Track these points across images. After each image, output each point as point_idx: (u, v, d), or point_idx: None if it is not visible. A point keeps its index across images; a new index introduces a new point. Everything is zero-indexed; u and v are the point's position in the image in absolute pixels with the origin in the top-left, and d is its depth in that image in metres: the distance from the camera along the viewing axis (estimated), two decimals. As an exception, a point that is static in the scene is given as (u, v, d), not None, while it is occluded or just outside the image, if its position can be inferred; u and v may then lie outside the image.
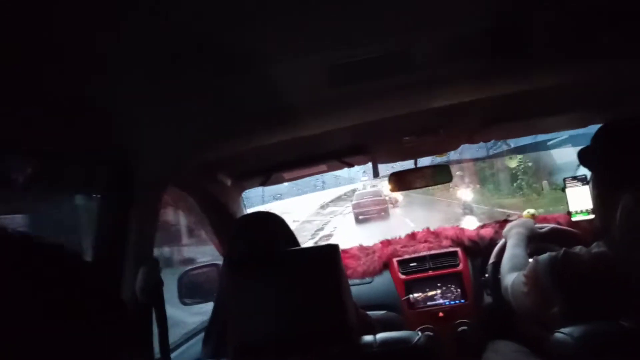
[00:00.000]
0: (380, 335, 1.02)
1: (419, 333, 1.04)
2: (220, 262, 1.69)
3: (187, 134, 1.06)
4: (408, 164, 1.88)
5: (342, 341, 0.98)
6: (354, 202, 17.16)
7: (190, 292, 1.64)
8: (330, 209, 21.46)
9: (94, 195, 1.13)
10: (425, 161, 1.94)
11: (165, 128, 0.99)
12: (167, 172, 1.19)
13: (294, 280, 1.00)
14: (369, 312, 1.48)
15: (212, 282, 1.64)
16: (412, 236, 2.08)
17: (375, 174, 1.62)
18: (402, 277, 1.85)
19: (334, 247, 1.04)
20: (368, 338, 1.01)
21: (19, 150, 0.81)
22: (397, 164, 2.01)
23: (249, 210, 1.75)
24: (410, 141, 1.53)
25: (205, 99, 0.92)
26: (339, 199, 24.35)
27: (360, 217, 15.84)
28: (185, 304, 1.62)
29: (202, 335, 1.51)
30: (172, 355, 1.15)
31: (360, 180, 25.95)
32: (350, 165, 1.72)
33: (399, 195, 17.57)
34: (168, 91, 0.84)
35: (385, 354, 0.98)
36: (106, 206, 1.07)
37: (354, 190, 26.07)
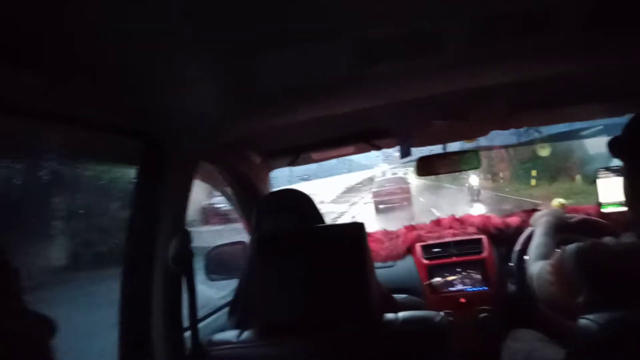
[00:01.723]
0: (403, 314, 1.05)
1: (441, 313, 1.09)
2: (246, 240, 1.77)
3: (219, 112, 1.11)
4: (436, 149, 1.91)
5: (364, 318, 1.02)
6: (374, 190, 16.61)
7: (216, 268, 1.72)
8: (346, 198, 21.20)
9: (131, 168, 1.21)
10: (454, 147, 1.97)
11: (199, 105, 1.05)
12: (200, 148, 1.26)
13: (319, 257, 1.05)
14: None
15: (239, 259, 1.72)
16: (437, 222, 2.13)
17: (404, 155, 1.66)
18: (425, 261, 1.91)
19: (359, 225, 1.10)
20: (390, 316, 1.05)
21: (64, 119, 0.88)
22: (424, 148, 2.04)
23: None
24: (439, 125, 1.55)
25: (237, 77, 0.96)
26: (351, 190, 23.22)
27: (381, 206, 15.29)
28: (211, 279, 1.71)
29: (226, 309, 1.60)
30: (199, 325, 1.23)
31: (379, 166, 25.57)
32: (378, 147, 1.77)
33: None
34: (202, 69, 0.89)
35: (407, 333, 1.02)
36: (142, 179, 1.15)
37: (370, 179, 25.47)
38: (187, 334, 1.19)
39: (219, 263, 1.72)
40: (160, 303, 1.14)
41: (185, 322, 1.20)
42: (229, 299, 1.72)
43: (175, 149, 1.13)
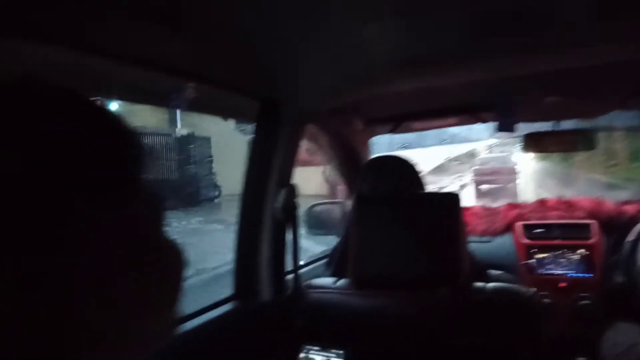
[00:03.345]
0: (492, 284, 1.10)
1: (532, 289, 1.12)
2: (343, 200, 1.92)
3: (330, 79, 1.22)
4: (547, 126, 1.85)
5: (452, 283, 1.09)
6: (475, 167, 15.50)
7: (315, 223, 1.89)
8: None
9: (248, 124, 1.39)
10: (567, 125, 1.89)
11: (313, 72, 1.17)
12: (310, 111, 1.39)
13: (415, 221, 1.14)
14: None
15: (336, 217, 1.87)
16: (542, 203, 2.08)
17: (506, 130, 1.64)
18: (525, 241, 1.89)
19: (454, 195, 1.16)
20: (479, 284, 1.10)
21: (200, 77, 1.04)
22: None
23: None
24: (553, 101, 1.52)
25: (350, 47, 1.04)
26: (441, 168, 20.59)
27: (483, 186, 14.19)
28: (310, 233, 1.89)
29: (323, 261, 1.77)
30: (300, 271, 1.39)
31: (486, 139, 23.99)
32: (483, 120, 1.77)
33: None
34: (313, 41, 0.98)
35: (495, 302, 1.07)
36: (257, 136, 1.32)
37: (470, 154, 23.96)
38: (289, 277, 1.38)
39: (318, 219, 1.89)
40: (267, 248, 1.32)
41: (288, 267, 1.39)
42: (325, 252, 1.89)
43: (288, 111, 1.28)
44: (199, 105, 1.29)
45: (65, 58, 0.75)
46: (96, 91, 1.14)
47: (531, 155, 15.83)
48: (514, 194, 12.27)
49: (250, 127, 1.37)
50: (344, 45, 1.01)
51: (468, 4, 0.84)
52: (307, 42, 0.96)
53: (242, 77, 1.12)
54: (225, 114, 1.57)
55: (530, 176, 16.24)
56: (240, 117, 1.52)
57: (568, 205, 2.01)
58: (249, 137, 1.37)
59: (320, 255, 1.91)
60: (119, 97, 1.02)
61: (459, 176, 17.93)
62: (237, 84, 1.15)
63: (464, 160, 23.25)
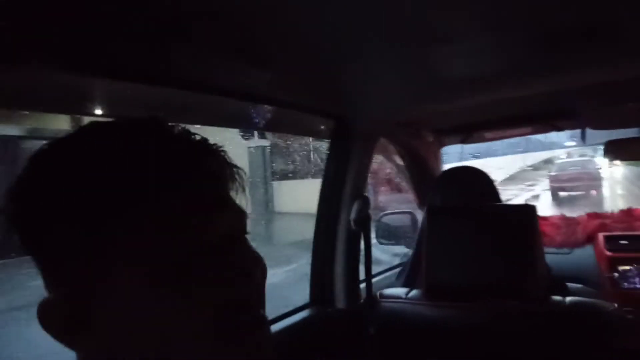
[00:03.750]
0: (571, 298, 1.08)
1: (615, 305, 1.08)
2: (413, 210, 1.94)
3: (397, 95, 1.27)
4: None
5: (528, 295, 1.08)
6: (552, 173, 14.22)
7: (385, 233, 1.93)
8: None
9: (323, 140, 1.47)
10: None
11: (380, 89, 1.21)
12: (380, 126, 1.45)
13: (489, 233, 1.15)
14: None
15: (406, 227, 1.90)
16: (628, 212, 1.98)
17: (584, 138, 1.59)
18: (608, 253, 1.81)
19: (531, 208, 1.16)
20: (557, 298, 1.08)
21: (280, 102, 1.13)
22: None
23: (446, 167, 1.92)
24: (636, 107, 1.46)
25: (418, 66, 1.06)
26: (512, 179, 18.77)
27: (561, 193, 13.05)
28: (380, 243, 1.93)
29: (394, 270, 1.81)
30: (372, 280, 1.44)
31: (564, 145, 22.54)
32: (559, 128, 1.73)
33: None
34: (381, 62, 1.01)
35: (573, 317, 1.04)
36: (331, 151, 1.39)
37: (547, 161, 22.51)
38: (362, 285, 1.43)
39: (387, 229, 1.93)
40: (342, 257, 1.39)
41: (361, 275, 1.44)
42: (395, 262, 1.93)
43: (360, 126, 1.35)
44: (277, 126, 1.39)
45: (157, 92, 0.87)
46: (187, 119, 1.27)
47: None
48: (598, 202, 11.19)
49: (250, 133, 1.44)
50: (414, 62, 1.04)
51: (540, 21, 0.85)
52: (377, 62, 1.01)
53: (317, 98, 1.20)
54: (300, 132, 1.67)
55: (619, 183, 15.04)
56: (314, 134, 1.61)
57: (658, 216, 1.90)
58: (250, 143, 1.44)
59: (391, 265, 1.94)
60: (206, 123, 1.13)
61: (530, 185, 16.68)
62: (313, 105, 1.23)
63: (538, 167, 21.99)
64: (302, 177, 8.37)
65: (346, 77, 1.09)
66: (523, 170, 20.97)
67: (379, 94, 1.24)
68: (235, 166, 0.41)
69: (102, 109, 0.83)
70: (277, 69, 0.94)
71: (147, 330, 0.34)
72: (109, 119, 0.40)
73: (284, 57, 0.91)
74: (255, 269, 0.40)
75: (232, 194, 0.41)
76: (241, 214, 0.41)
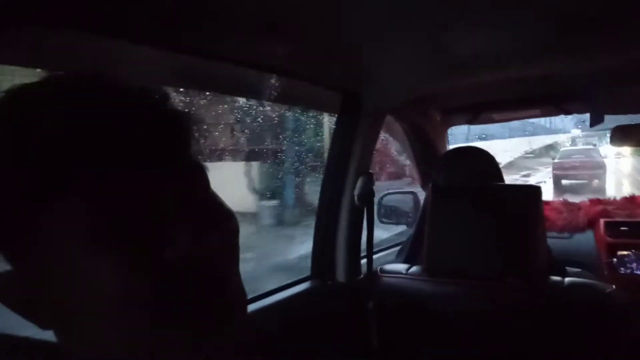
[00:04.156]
0: (570, 279, 1.10)
1: (612, 286, 1.09)
2: (416, 190, 1.95)
3: (409, 71, 1.27)
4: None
5: (528, 275, 1.10)
6: (556, 160, 14.34)
7: (387, 212, 1.95)
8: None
9: (331, 115, 1.47)
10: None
11: (393, 66, 1.21)
12: (389, 103, 1.45)
13: (492, 212, 1.16)
14: None
15: (408, 207, 1.92)
16: (631, 199, 2.00)
17: (594, 123, 1.59)
18: (608, 239, 1.83)
19: (536, 188, 1.17)
20: (556, 279, 1.10)
21: (284, 72, 1.12)
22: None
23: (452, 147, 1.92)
24: None
25: (430, 43, 1.06)
26: (509, 166, 17.15)
27: (564, 181, 13.09)
28: (382, 222, 1.95)
29: (395, 249, 1.83)
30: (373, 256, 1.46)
31: (569, 131, 22.34)
32: (568, 112, 1.72)
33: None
34: (394, 39, 1.02)
35: (572, 297, 1.06)
36: (338, 126, 1.40)
37: (549, 147, 22.19)
38: (363, 261, 1.46)
39: (389, 208, 1.94)
40: (344, 232, 1.40)
41: (362, 251, 1.46)
42: (396, 240, 1.95)
43: (369, 103, 1.35)
44: (285, 98, 1.39)
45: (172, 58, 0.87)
46: (200, 86, 1.27)
47: (625, 149, 14.51)
48: (601, 191, 11.25)
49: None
50: (429, 39, 1.04)
51: (554, 2, 0.85)
52: (389, 38, 1.01)
53: (327, 71, 1.20)
54: (307, 106, 1.67)
55: (628, 176, 14.77)
56: (321, 108, 1.61)
57: (661, 203, 1.91)
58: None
59: (391, 243, 1.97)
60: (216, 90, 1.14)
61: (525, 175, 15.96)
62: (323, 78, 1.23)
63: (540, 154, 21.41)
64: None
65: (361, 52, 1.09)
66: (523, 157, 20.25)
67: (392, 70, 1.24)
68: (190, 121, 0.38)
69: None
70: (295, 42, 0.94)
71: (96, 295, 0.32)
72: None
73: (303, 30, 0.91)
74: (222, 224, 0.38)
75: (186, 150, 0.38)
76: (196, 169, 0.38)
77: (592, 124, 1.53)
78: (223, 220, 0.38)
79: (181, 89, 1.13)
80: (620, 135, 1.73)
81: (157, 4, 0.68)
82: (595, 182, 12.71)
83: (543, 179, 13.88)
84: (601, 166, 13.27)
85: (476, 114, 1.77)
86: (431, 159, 1.82)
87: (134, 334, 0.33)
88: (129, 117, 0.34)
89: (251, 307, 1.16)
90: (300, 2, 0.78)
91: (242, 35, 0.87)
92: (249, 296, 1.21)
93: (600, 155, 14.00)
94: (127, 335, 0.33)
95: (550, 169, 14.55)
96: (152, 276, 0.32)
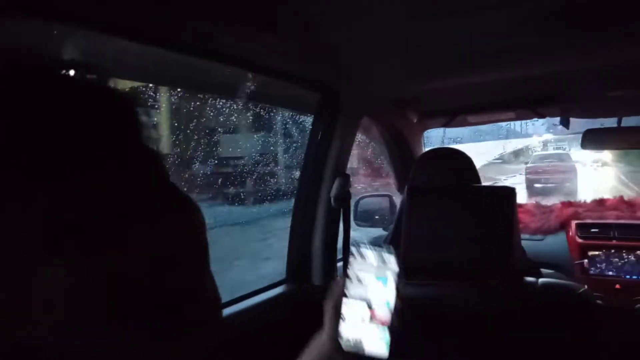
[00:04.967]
0: (543, 279, 1.12)
1: (585, 287, 1.12)
2: (392, 193, 1.97)
3: (386, 74, 1.28)
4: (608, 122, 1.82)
5: (503, 275, 1.11)
6: (529, 164, 14.68)
7: (363, 216, 1.95)
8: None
9: (308, 115, 1.46)
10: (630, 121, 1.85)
11: (369, 67, 1.22)
12: (366, 104, 1.46)
13: (469, 213, 1.17)
14: None
15: (384, 210, 1.93)
16: (601, 202, 2.06)
17: (566, 126, 1.63)
18: (579, 240, 1.88)
19: (510, 189, 1.19)
20: (530, 279, 1.12)
21: (261, 69, 1.11)
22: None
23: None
24: (617, 96, 1.50)
25: (405, 42, 1.07)
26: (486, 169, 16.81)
27: (536, 185, 13.50)
28: (358, 225, 1.95)
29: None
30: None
31: (541, 135, 22.82)
32: (542, 115, 1.76)
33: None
34: (374, 39, 1.03)
35: (545, 297, 1.08)
36: (315, 126, 1.39)
37: (516, 153, 22.16)
38: (339, 263, 1.45)
39: (365, 212, 1.95)
40: (320, 234, 1.40)
41: (339, 254, 1.46)
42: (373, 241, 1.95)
43: (346, 103, 1.35)
44: (260, 97, 1.38)
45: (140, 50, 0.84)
46: (168, 82, 1.24)
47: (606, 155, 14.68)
48: (572, 194, 11.53)
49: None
50: (402, 40, 1.05)
51: (527, 3, 0.86)
52: (368, 39, 1.02)
53: (306, 70, 1.19)
54: (284, 105, 1.66)
55: (607, 185, 14.85)
56: (298, 108, 1.61)
57: (629, 206, 1.99)
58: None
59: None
60: (190, 88, 1.12)
61: (494, 184, 16.15)
62: (301, 77, 1.23)
63: (508, 159, 21.18)
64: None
65: (337, 50, 1.09)
66: (489, 163, 19.63)
67: (371, 70, 1.24)
68: (139, 109, 0.36)
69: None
70: (274, 37, 0.94)
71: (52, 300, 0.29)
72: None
73: (283, 25, 0.90)
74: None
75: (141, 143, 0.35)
76: (151, 159, 0.35)
77: (563, 126, 1.58)
78: (187, 215, 0.35)
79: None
80: (592, 139, 1.78)
81: None
82: (567, 185, 13.10)
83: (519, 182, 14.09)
84: (572, 170, 13.78)
85: (452, 116, 1.79)
86: (408, 162, 1.83)
87: (96, 341, 0.30)
88: (70, 107, 0.31)
89: (225, 312, 1.15)
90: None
91: (217, 29, 0.85)
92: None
93: (571, 159, 14.43)
94: (90, 342, 0.30)
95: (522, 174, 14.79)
96: (110, 279, 0.29)
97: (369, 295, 0.69)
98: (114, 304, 0.30)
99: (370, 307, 0.68)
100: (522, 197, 11.43)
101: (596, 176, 15.11)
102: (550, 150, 16.98)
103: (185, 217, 0.35)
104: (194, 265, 0.35)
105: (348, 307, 0.68)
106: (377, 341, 0.67)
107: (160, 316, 0.31)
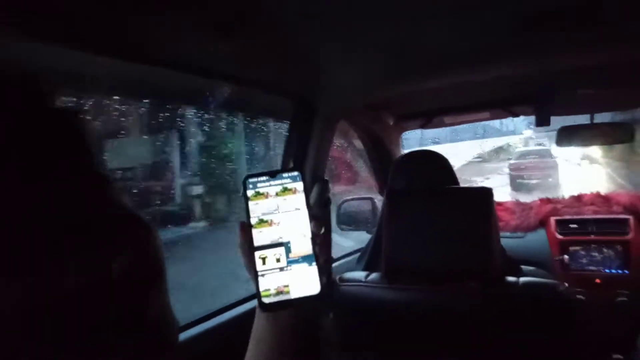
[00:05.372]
0: (524, 278, 1.12)
1: (565, 284, 1.14)
2: (374, 196, 1.98)
3: (361, 77, 1.28)
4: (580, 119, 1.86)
5: (484, 275, 1.12)
6: (512, 161, 15.04)
7: (346, 219, 1.96)
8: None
9: (283, 121, 1.46)
10: (603, 117, 1.89)
11: (344, 71, 1.22)
12: (341, 108, 1.46)
13: (447, 215, 1.19)
14: None
15: (366, 213, 1.94)
16: (578, 198, 2.10)
17: (540, 124, 1.67)
18: (559, 237, 1.92)
19: (488, 190, 1.20)
20: (511, 278, 1.13)
21: (231, 78, 1.10)
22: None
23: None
24: (588, 94, 1.53)
25: (380, 46, 1.07)
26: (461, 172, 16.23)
27: (519, 180, 13.84)
28: (341, 229, 1.96)
29: (354, 256, 1.84)
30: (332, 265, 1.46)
31: (522, 133, 23.11)
32: (516, 114, 1.80)
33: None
34: (348, 42, 1.02)
35: (527, 296, 1.09)
36: (291, 132, 1.39)
37: (497, 150, 22.46)
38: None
39: (348, 215, 1.96)
40: None
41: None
42: (355, 247, 1.96)
43: (321, 108, 1.35)
44: (232, 105, 1.38)
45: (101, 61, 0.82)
46: (133, 93, 1.22)
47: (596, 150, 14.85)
48: (555, 187, 11.94)
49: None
50: (378, 44, 1.05)
51: (503, 3, 0.87)
52: (341, 43, 1.02)
53: (278, 77, 1.19)
54: (257, 113, 1.66)
55: (574, 172, 15.09)
56: (272, 115, 1.61)
57: (605, 200, 2.02)
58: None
59: (350, 250, 1.98)
60: (153, 99, 1.10)
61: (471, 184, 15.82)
62: (273, 84, 1.22)
63: (488, 158, 21.07)
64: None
65: (309, 56, 1.09)
66: (468, 163, 19.47)
67: (343, 75, 1.24)
68: (89, 129, 0.35)
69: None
70: (241, 44, 0.93)
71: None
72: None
73: (249, 31, 0.89)
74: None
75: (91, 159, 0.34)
76: (101, 180, 0.34)
77: (537, 125, 1.60)
78: (137, 234, 0.34)
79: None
80: (566, 136, 1.82)
81: (90, 3, 0.65)
82: (549, 180, 13.44)
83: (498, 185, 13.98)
84: (553, 166, 14.11)
85: (429, 118, 1.81)
86: (387, 164, 1.84)
87: None
88: (18, 124, 0.30)
89: (192, 332, 1.14)
90: (250, 2, 0.77)
91: (187, 37, 0.84)
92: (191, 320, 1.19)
93: (552, 155, 14.72)
94: None
95: (502, 174, 15.02)
96: (51, 303, 0.28)
97: (281, 234, 0.59)
98: (51, 325, 0.29)
99: (285, 245, 0.58)
100: (505, 194, 11.64)
101: (586, 175, 14.76)
102: (532, 147, 17.23)
103: (133, 237, 0.34)
104: (144, 287, 0.33)
105: (262, 259, 0.58)
106: (303, 279, 0.57)
107: (105, 345, 0.30)
